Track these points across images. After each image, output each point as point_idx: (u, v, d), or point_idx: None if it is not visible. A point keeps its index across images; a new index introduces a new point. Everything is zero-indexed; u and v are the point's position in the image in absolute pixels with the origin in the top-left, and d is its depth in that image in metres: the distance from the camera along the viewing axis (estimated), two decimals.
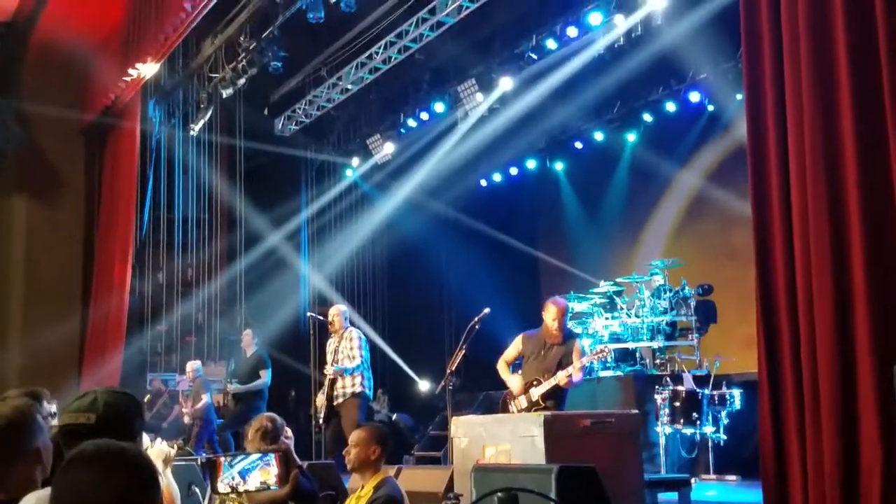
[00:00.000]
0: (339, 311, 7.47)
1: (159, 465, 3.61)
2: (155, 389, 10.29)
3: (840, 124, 3.83)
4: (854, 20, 3.80)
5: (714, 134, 10.34)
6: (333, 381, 7.13)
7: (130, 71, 9.36)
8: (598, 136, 11.28)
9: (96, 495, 1.53)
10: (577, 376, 5.63)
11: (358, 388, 7.11)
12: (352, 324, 7.68)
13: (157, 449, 3.64)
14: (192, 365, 9.47)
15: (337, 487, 5.14)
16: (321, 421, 7.19)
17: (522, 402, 5.68)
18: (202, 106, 10.14)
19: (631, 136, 11.19)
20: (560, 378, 5.54)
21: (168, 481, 3.65)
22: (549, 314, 5.76)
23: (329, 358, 7.32)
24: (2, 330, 10.29)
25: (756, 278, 4.23)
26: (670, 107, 10.26)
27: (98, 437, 1.73)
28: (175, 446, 3.87)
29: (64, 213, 10.88)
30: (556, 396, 5.66)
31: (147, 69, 9.31)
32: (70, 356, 10.24)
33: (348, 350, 7.17)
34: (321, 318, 7.63)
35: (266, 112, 11.87)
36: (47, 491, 1.67)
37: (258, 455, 1.75)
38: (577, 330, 8.39)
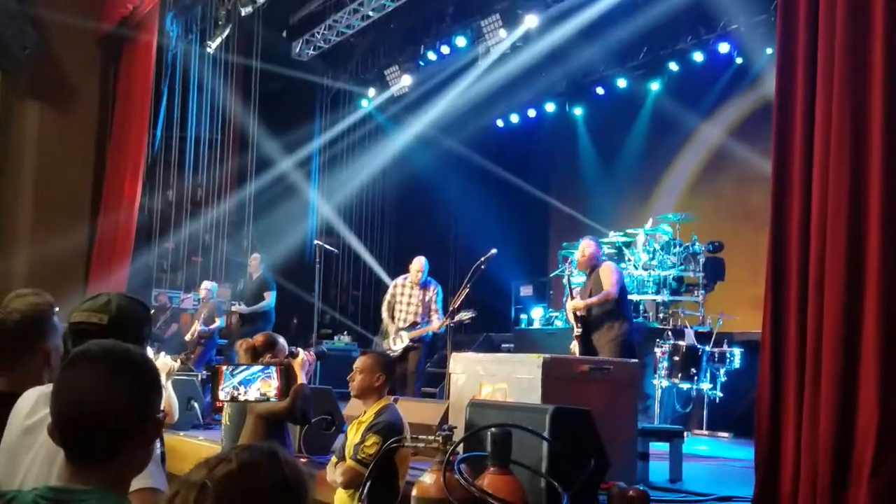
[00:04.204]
0: (422, 263, 7.50)
1: (161, 378, 3.65)
2: (160, 304, 10.37)
3: (870, 92, 3.71)
4: None
5: (740, 88, 10.10)
6: (413, 326, 7.40)
7: None
8: (621, 82, 11.03)
9: (98, 394, 1.52)
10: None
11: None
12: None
13: (160, 361, 3.66)
14: (208, 285, 9.41)
15: (333, 413, 5.21)
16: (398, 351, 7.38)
17: None
18: (220, 23, 9.97)
19: (654, 85, 10.94)
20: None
21: (168, 393, 3.69)
22: None
23: (404, 308, 7.45)
24: (10, 238, 10.34)
25: (769, 240, 4.16)
26: (697, 57, 9.98)
27: (107, 339, 1.70)
28: (178, 360, 3.90)
29: (76, 125, 10.80)
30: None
31: None
32: (76, 267, 10.32)
33: (435, 304, 7.45)
34: (328, 247, 7.64)
35: (285, 34, 11.63)
36: (49, 387, 1.66)
37: (260, 367, 1.76)
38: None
